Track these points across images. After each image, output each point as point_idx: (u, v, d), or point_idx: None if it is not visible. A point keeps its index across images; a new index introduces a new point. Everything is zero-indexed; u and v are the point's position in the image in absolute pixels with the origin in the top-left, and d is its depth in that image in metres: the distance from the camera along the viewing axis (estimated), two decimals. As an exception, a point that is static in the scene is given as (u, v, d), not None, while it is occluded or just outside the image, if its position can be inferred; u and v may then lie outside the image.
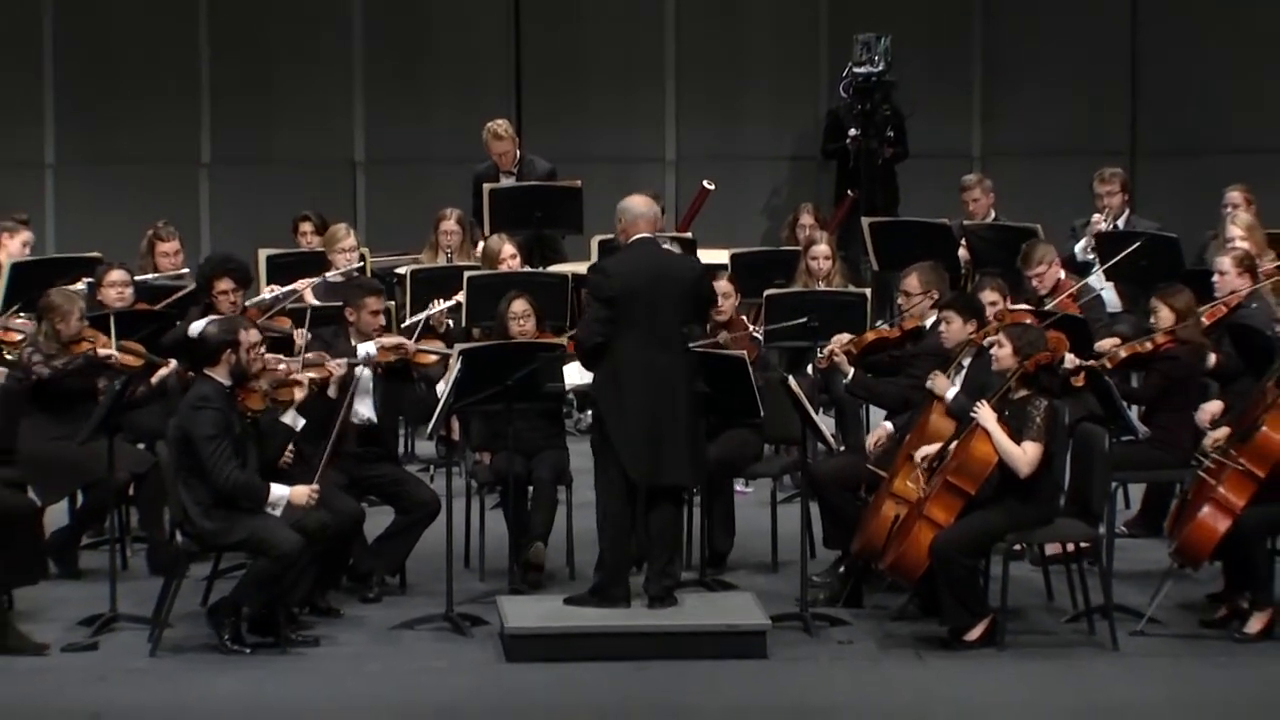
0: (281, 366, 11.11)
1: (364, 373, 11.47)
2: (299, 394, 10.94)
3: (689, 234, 14.56)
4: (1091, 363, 11.60)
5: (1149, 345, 11.83)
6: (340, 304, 12.03)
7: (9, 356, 11.86)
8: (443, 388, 11.18)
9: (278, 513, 10.50)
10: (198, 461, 10.48)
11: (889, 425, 11.39)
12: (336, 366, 11.30)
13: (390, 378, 11.62)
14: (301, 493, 10.56)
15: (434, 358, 11.79)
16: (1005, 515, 10.63)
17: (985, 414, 10.52)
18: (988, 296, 11.96)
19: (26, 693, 10.08)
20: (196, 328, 11.56)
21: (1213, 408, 11.22)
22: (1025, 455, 10.42)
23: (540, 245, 14.36)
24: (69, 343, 11.74)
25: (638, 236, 10.95)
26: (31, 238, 13.97)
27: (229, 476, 10.43)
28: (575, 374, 11.42)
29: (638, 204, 11.10)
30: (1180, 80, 17.51)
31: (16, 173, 17.11)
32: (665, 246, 11.41)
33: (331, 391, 11.24)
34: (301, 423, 10.91)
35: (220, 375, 10.70)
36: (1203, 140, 17.28)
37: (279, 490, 10.54)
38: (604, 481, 10.84)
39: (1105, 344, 12.08)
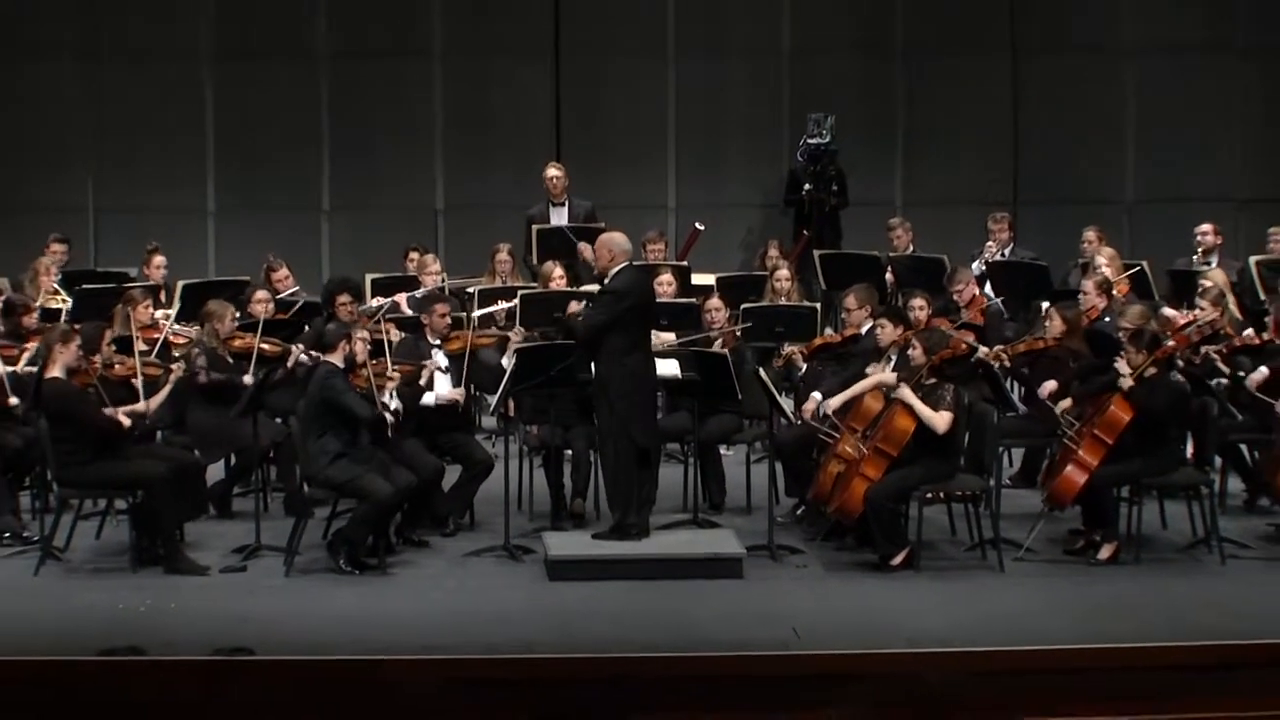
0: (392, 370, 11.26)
1: (442, 368, 11.54)
2: (393, 384, 11.02)
3: (685, 263, 14.53)
4: (998, 348, 11.67)
5: (1041, 343, 11.86)
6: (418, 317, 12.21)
7: (177, 355, 11.90)
8: (507, 361, 11.28)
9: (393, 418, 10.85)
10: (337, 413, 10.58)
11: (818, 395, 11.40)
12: (426, 369, 11.39)
13: (462, 362, 11.66)
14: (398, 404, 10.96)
15: (490, 340, 11.86)
16: (920, 471, 10.67)
17: (905, 391, 10.58)
18: (917, 302, 12.09)
19: (193, 603, 10.12)
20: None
21: (1050, 386, 11.26)
22: (942, 419, 10.52)
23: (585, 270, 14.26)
24: (226, 339, 11.82)
25: (626, 264, 10.92)
26: (165, 260, 14.02)
27: (365, 411, 10.64)
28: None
29: (621, 239, 11.04)
30: (1051, 149, 17.49)
31: (184, 218, 17.12)
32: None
33: (422, 382, 11.32)
34: (396, 403, 10.98)
35: (336, 359, 10.78)
36: (1068, 193, 17.25)
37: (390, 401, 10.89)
38: (616, 449, 10.83)
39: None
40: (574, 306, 11.18)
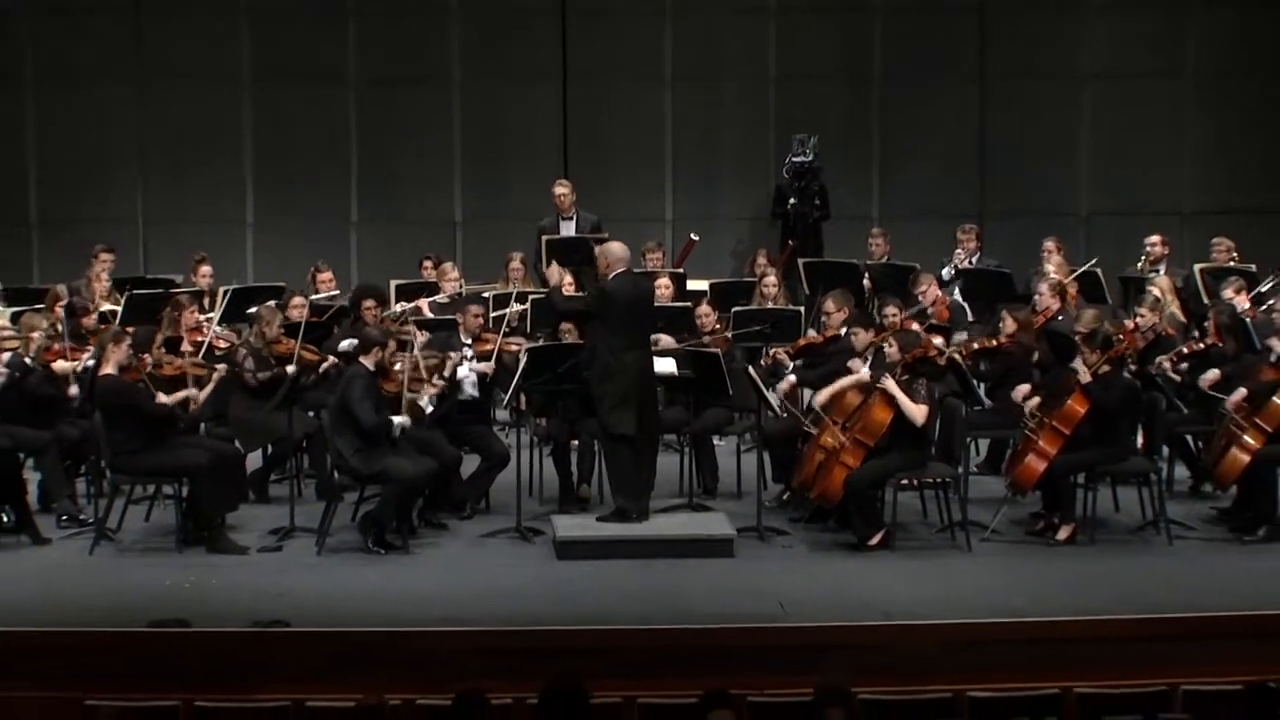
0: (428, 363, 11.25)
1: (466, 370, 11.55)
2: (433, 390, 11.02)
3: (681, 270, 14.53)
4: (953, 350, 11.66)
5: (994, 342, 11.87)
6: (450, 317, 12.22)
7: (219, 355, 11.92)
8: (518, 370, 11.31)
9: (398, 433, 10.70)
10: (351, 416, 10.53)
11: (792, 378, 11.40)
12: (450, 361, 11.38)
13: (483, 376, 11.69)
14: (404, 420, 10.75)
15: (515, 348, 11.89)
16: (895, 460, 10.69)
17: (890, 383, 10.60)
18: (890, 310, 12.10)
19: (234, 579, 10.16)
20: (349, 343, 11.66)
21: (1024, 389, 11.27)
22: (920, 411, 10.55)
23: (587, 277, 14.22)
24: (271, 342, 11.84)
25: (620, 270, 10.96)
26: (211, 270, 14.03)
27: (369, 419, 10.55)
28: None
29: (618, 248, 11.13)
30: (1015, 166, 17.48)
31: (226, 229, 17.10)
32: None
33: (446, 374, 11.34)
34: (430, 405, 10.97)
35: (368, 363, 10.78)
36: (1030, 206, 17.26)
37: (397, 420, 10.69)
38: (609, 437, 10.87)
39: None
40: (553, 276, 11.21)
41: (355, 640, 8.94)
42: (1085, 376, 10.70)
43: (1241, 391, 10.98)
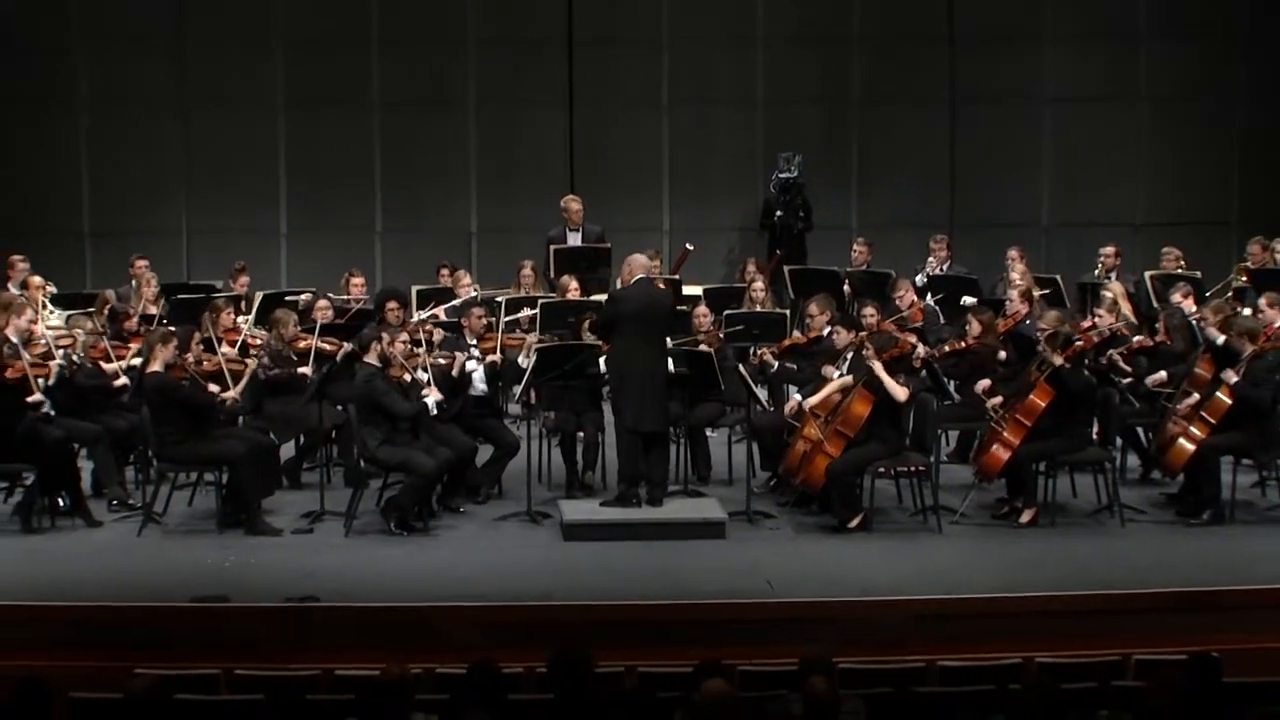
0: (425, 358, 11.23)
1: (477, 367, 11.53)
2: (419, 361, 11.00)
3: (677, 276, 14.51)
4: (929, 350, 11.63)
5: (963, 344, 11.86)
6: (459, 320, 12.16)
7: (253, 354, 11.91)
8: (525, 362, 11.25)
9: (435, 411, 10.80)
10: (380, 411, 10.54)
11: (798, 397, 11.41)
12: (458, 360, 11.36)
13: (492, 365, 11.66)
14: (437, 397, 10.84)
15: (517, 342, 11.84)
16: (873, 449, 10.68)
17: (877, 365, 10.57)
18: (868, 312, 12.05)
19: (269, 558, 10.16)
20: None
21: (984, 384, 11.27)
22: (903, 391, 10.58)
23: (592, 283, 14.23)
24: (290, 340, 11.83)
25: (638, 277, 10.96)
26: (248, 279, 14.08)
27: (404, 409, 10.61)
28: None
29: (640, 259, 11.15)
30: (982, 181, 17.48)
31: (261, 239, 17.09)
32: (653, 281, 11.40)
33: (454, 373, 11.31)
34: (428, 376, 10.93)
35: (372, 359, 10.79)
36: (995, 217, 17.25)
37: (431, 400, 10.80)
38: (620, 429, 10.85)
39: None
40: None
41: (379, 614, 8.94)
42: (1057, 360, 10.69)
43: (1162, 375, 11.31)
